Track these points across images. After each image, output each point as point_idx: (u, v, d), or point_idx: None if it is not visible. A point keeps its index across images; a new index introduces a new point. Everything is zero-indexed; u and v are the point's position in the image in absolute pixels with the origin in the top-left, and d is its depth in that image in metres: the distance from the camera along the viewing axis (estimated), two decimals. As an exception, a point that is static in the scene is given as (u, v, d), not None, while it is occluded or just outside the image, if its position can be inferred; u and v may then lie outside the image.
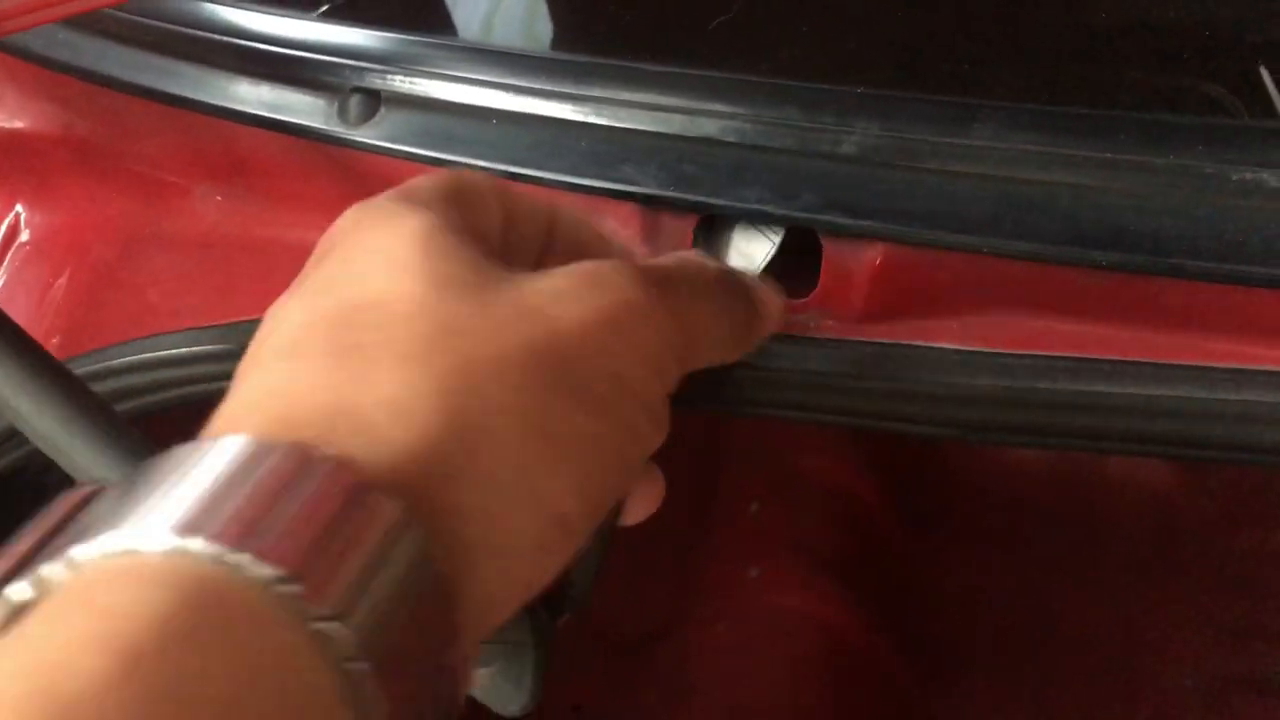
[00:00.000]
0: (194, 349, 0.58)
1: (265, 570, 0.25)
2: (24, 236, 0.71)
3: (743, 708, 1.16)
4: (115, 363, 0.57)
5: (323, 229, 0.62)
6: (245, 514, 0.25)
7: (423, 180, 0.38)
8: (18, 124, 0.68)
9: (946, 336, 0.49)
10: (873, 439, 1.31)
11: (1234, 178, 0.43)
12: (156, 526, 0.25)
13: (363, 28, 0.58)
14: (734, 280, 0.41)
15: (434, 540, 0.29)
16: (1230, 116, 0.45)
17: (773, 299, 0.44)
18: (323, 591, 0.25)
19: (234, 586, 0.24)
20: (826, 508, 1.29)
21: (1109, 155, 0.44)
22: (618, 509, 0.44)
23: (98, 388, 0.59)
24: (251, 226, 0.64)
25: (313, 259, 0.38)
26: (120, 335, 0.63)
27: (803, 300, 0.51)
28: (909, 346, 0.48)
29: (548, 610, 0.42)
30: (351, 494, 0.27)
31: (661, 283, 0.36)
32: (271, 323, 0.34)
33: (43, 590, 0.24)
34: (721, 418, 1.30)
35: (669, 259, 0.40)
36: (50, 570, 0.25)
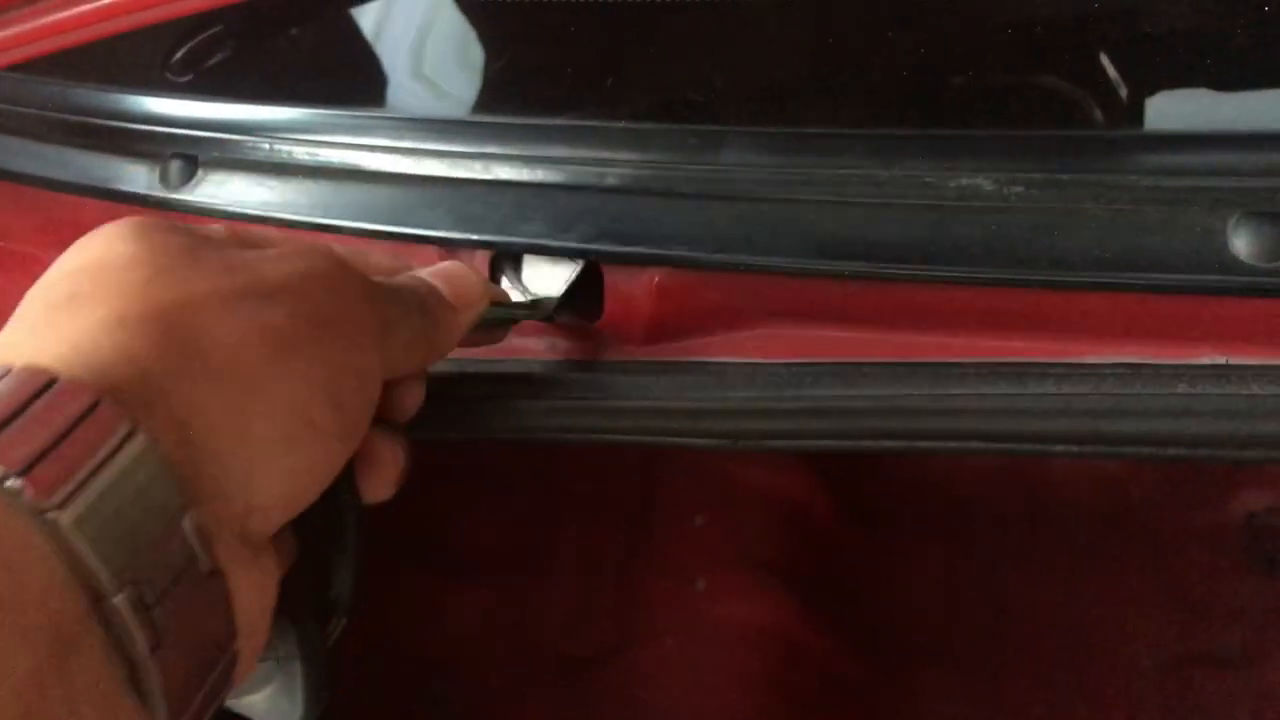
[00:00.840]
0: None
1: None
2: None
3: (698, 722, 1.17)
4: None
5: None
6: None
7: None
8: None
9: (723, 350, 0.52)
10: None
11: (952, 184, 0.45)
12: None
13: (180, 97, 0.61)
14: (426, 297, 0.45)
15: (165, 431, 0.33)
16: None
17: (468, 282, 0.48)
18: (47, 486, 0.29)
19: None
20: (770, 515, 1.29)
21: (841, 170, 0.47)
22: (356, 494, 0.45)
23: None
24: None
25: None
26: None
27: (592, 326, 0.53)
28: (680, 363, 0.51)
29: (316, 618, 0.44)
30: (59, 398, 0.31)
31: (360, 265, 0.42)
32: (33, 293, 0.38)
33: None
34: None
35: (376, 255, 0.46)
36: None
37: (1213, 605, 1.19)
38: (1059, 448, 0.44)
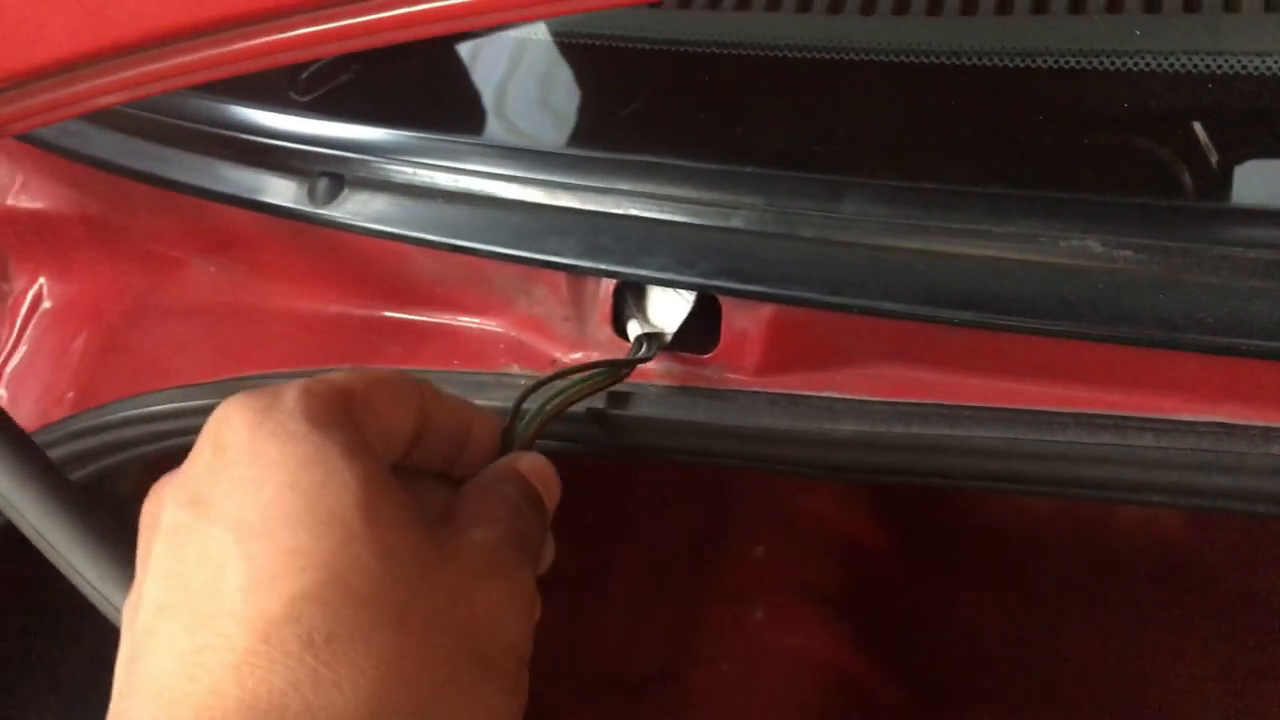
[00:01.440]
0: (183, 404, 0.65)
1: None
2: (46, 305, 0.79)
3: (748, 748, 1.18)
4: (111, 417, 0.64)
5: (300, 297, 0.70)
6: None
7: (322, 383, 0.39)
8: (39, 205, 0.76)
9: (832, 385, 0.55)
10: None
11: (1062, 244, 0.48)
12: None
13: (330, 119, 0.65)
14: (539, 512, 0.45)
15: None
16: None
17: (549, 478, 0.47)
18: None
19: None
20: (832, 549, 1.30)
21: (957, 224, 0.50)
22: None
23: (98, 440, 0.67)
24: (240, 294, 0.72)
25: (205, 466, 0.37)
26: (127, 390, 0.70)
27: (707, 357, 0.57)
28: (793, 396, 0.54)
29: None
30: None
31: (524, 549, 0.41)
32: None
33: None
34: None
35: (507, 505, 0.42)
36: None
37: (1264, 671, 1.19)
38: (1154, 497, 0.47)
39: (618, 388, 0.57)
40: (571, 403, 0.54)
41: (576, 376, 0.55)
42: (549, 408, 0.52)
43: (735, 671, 1.26)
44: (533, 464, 0.47)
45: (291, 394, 0.36)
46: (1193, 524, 1.24)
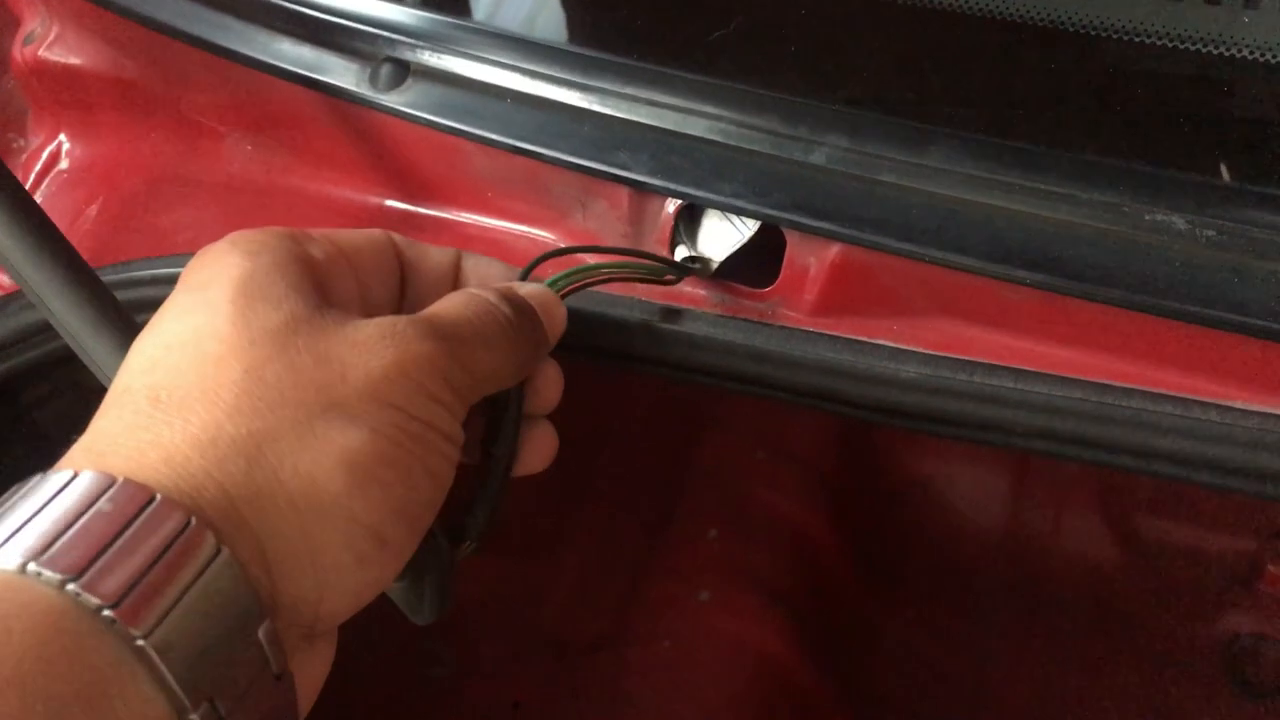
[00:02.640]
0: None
1: (90, 597, 0.32)
2: (63, 164, 0.76)
3: (676, 727, 1.18)
4: (138, 274, 0.62)
5: (340, 184, 0.68)
6: (77, 544, 0.33)
7: (268, 228, 0.45)
8: (73, 60, 0.74)
9: (886, 334, 0.55)
10: (838, 485, 1.35)
11: (1147, 217, 0.49)
12: (9, 551, 0.32)
13: (399, 3, 0.64)
14: (522, 322, 0.47)
15: (245, 551, 0.35)
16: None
17: (554, 309, 0.50)
18: (139, 613, 0.32)
19: (42, 595, 0.32)
20: (784, 544, 1.31)
21: (1041, 186, 0.50)
22: (514, 454, 0.50)
23: (119, 295, 0.65)
24: (275, 175, 0.70)
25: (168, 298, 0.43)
26: (140, 261, 0.68)
27: (764, 291, 0.56)
28: (845, 338, 0.54)
29: (450, 539, 0.48)
30: (154, 518, 0.34)
31: (451, 335, 0.42)
32: (128, 359, 0.40)
33: None
34: (689, 439, 1.35)
35: (462, 305, 0.45)
36: None
37: (1187, 713, 1.22)
38: (1204, 476, 0.47)
39: (669, 302, 0.57)
40: (604, 280, 0.54)
41: (618, 258, 0.55)
42: (578, 277, 0.52)
43: (674, 649, 1.26)
44: (533, 289, 0.50)
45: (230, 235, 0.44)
46: (1127, 566, 1.27)
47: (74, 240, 0.72)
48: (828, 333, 0.54)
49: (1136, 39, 0.50)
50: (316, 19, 0.64)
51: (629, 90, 0.58)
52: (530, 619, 1.28)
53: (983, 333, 0.53)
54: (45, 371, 0.74)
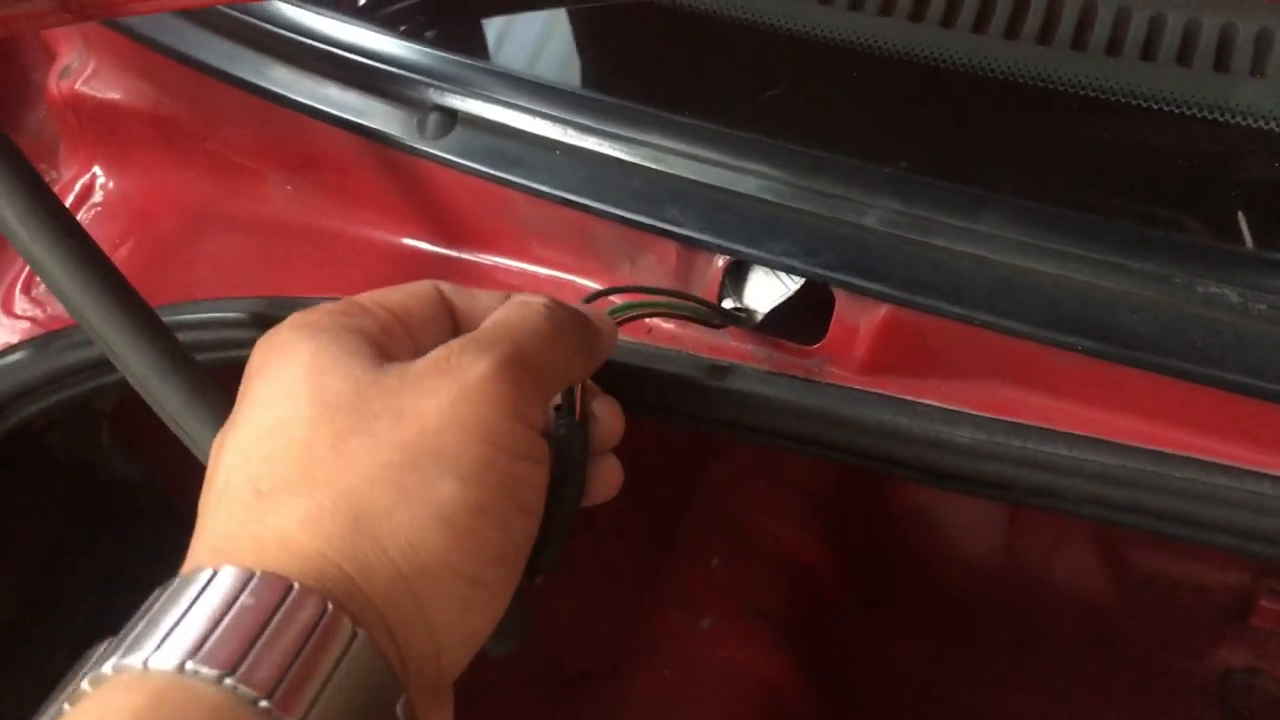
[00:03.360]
0: (236, 314, 0.63)
1: (247, 690, 0.33)
2: (97, 198, 0.76)
3: (676, 755, 1.18)
4: (185, 318, 0.62)
5: (380, 227, 0.68)
6: (228, 640, 0.34)
7: (321, 307, 0.46)
8: (112, 95, 0.74)
9: (934, 394, 0.55)
10: (836, 513, 1.36)
11: (1199, 289, 0.50)
12: (167, 652, 0.34)
13: (447, 52, 0.64)
14: (564, 312, 0.48)
15: (373, 627, 0.37)
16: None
17: (604, 319, 0.52)
18: (292, 702, 0.34)
19: (204, 692, 0.33)
20: (785, 571, 1.32)
21: (1094, 255, 0.51)
22: (581, 488, 0.51)
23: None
24: (315, 217, 0.70)
25: (241, 389, 0.45)
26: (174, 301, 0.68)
27: (812, 348, 0.57)
28: (894, 398, 0.55)
29: (526, 573, 0.48)
30: (295, 608, 0.36)
31: (502, 340, 0.43)
32: (216, 458, 0.42)
33: (94, 685, 0.34)
34: (690, 468, 1.35)
35: (507, 311, 0.46)
36: (97, 674, 0.34)
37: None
38: (1255, 547, 0.48)
39: (716, 359, 0.57)
40: (654, 313, 0.55)
41: (666, 298, 0.56)
42: (629, 310, 0.53)
43: (675, 677, 1.27)
44: (579, 304, 0.51)
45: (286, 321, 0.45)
46: (1121, 598, 1.28)
47: (109, 276, 0.72)
48: (880, 392, 0.55)
49: (1188, 111, 0.51)
50: (364, 65, 0.64)
51: (680, 146, 0.58)
52: (532, 648, 1.28)
53: (1031, 396, 0.54)
54: (63, 409, 0.74)
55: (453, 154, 0.62)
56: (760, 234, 0.56)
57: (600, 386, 0.53)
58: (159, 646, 0.34)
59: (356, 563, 0.37)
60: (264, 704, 0.33)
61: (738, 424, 0.56)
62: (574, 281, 0.64)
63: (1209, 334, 0.49)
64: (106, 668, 0.34)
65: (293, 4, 0.67)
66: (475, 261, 0.66)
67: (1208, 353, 0.49)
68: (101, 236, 0.73)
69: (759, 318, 0.58)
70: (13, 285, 0.75)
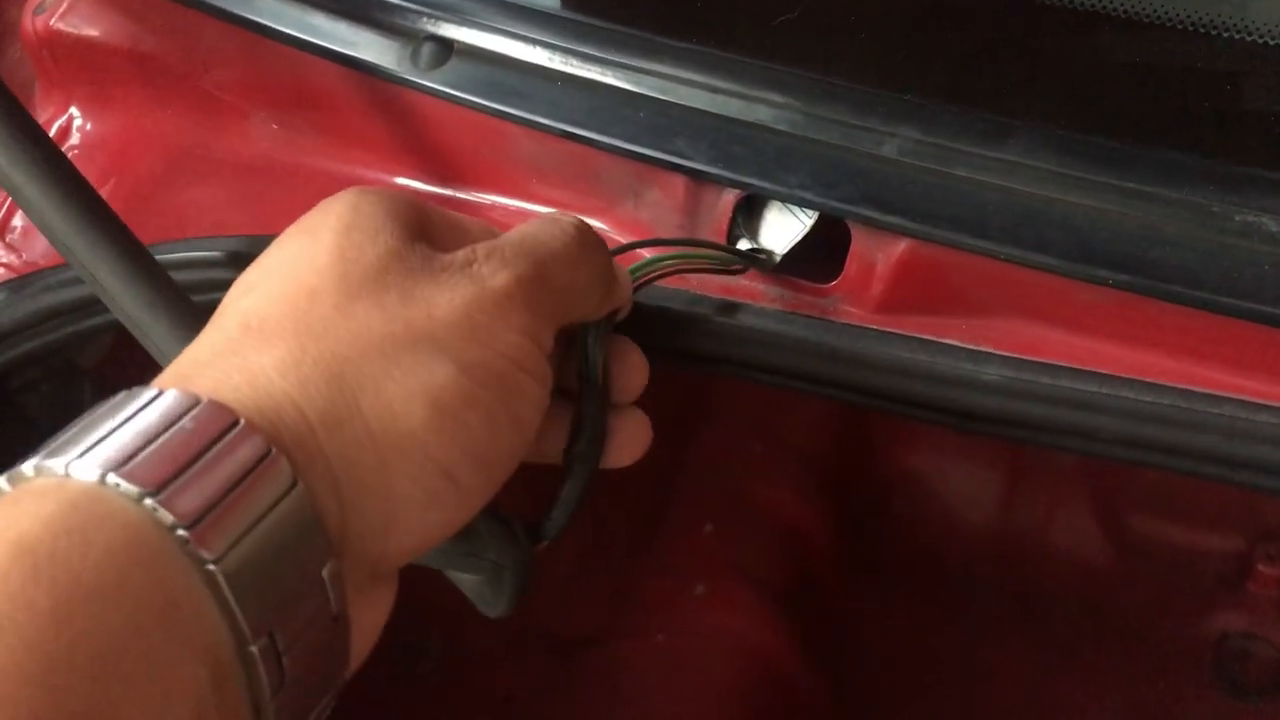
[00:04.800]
0: (218, 253, 0.61)
1: (166, 515, 0.31)
2: (74, 139, 0.73)
3: (668, 722, 1.15)
4: (165, 257, 0.60)
5: (373, 166, 0.66)
6: (157, 460, 0.32)
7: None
8: (88, 31, 0.70)
9: (954, 334, 0.53)
10: (833, 478, 1.34)
11: (1236, 218, 0.47)
12: (90, 461, 0.32)
13: (446, -19, 0.61)
14: (593, 236, 0.46)
15: (320, 484, 0.35)
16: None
17: (625, 275, 0.50)
18: (212, 537, 0.32)
19: (121, 507, 0.31)
20: (778, 540, 1.31)
21: (1127, 184, 0.49)
22: (600, 446, 0.49)
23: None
24: (304, 157, 0.67)
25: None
26: (156, 244, 0.65)
27: (826, 287, 0.55)
28: (921, 338, 0.52)
29: (528, 536, 0.48)
30: (236, 443, 0.34)
31: (527, 254, 0.42)
32: (234, 289, 0.41)
33: (11, 482, 0.32)
34: (685, 432, 1.34)
35: (537, 225, 0.45)
36: (15, 472, 0.32)
37: (1174, 714, 1.22)
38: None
39: (728, 297, 0.55)
40: (674, 272, 0.53)
41: (683, 249, 0.54)
42: (646, 269, 0.51)
43: (668, 643, 1.26)
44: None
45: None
46: (1118, 565, 1.27)
47: (87, 219, 0.69)
48: (901, 332, 0.52)
49: (1225, 33, 0.49)
50: (354, -7, 0.62)
51: (688, 75, 0.56)
52: (523, 614, 1.27)
53: (1060, 335, 0.52)
54: (39, 358, 0.71)
55: (448, 85, 0.59)
56: (774, 166, 0.54)
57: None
58: (83, 454, 0.32)
59: (323, 414, 0.36)
60: (181, 532, 0.31)
61: (754, 364, 0.53)
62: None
63: (1247, 265, 0.47)
64: (27, 467, 0.32)
65: (279, -69, 0.64)
66: (473, 201, 0.64)
67: (1245, 285, 0.47)
68: (79, 179, 0.70)
69: (777, 258, 0.55)
70: (-14, 231, 0.72)
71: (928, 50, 0.56)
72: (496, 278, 0.40)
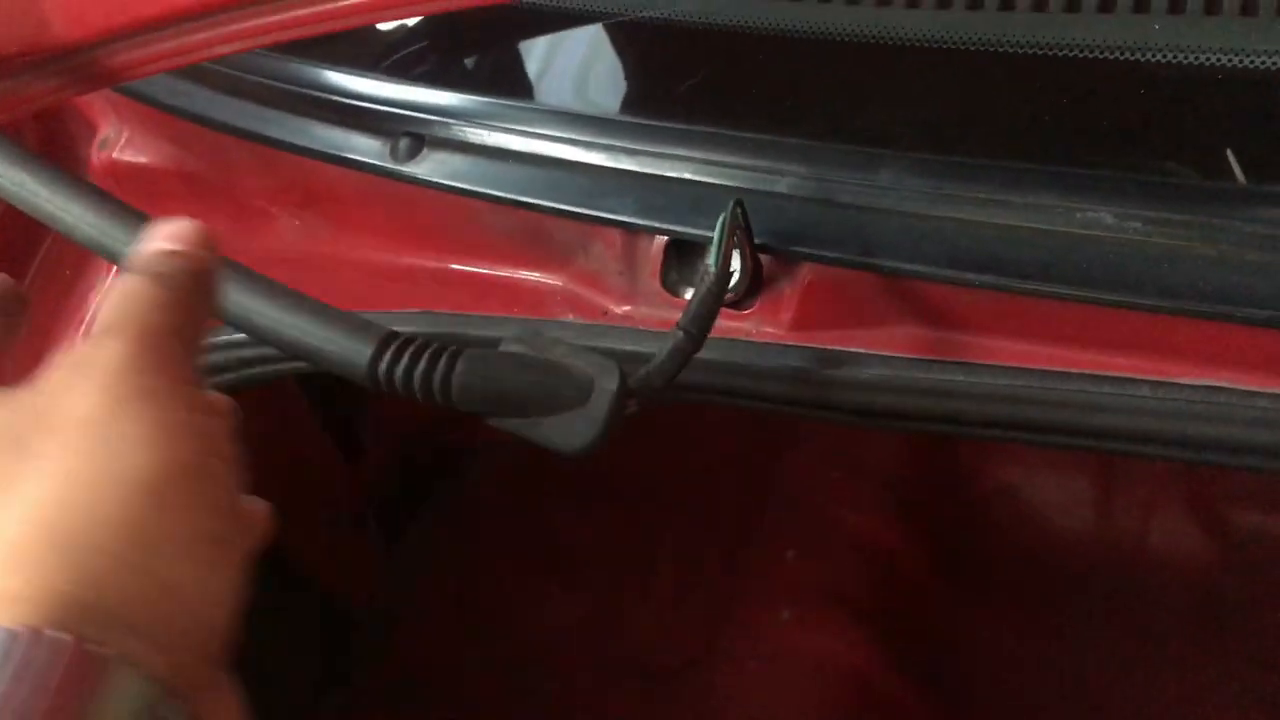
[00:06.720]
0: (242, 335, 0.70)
1: None
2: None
3: (766, 746, 1.17)
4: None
5: (378, 249, 0.75)
6: None
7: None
8: (142, 159, 0.83)
9: (859, 343, 0.59)
10: (920, 499, 1.36)
11: (1078, 215, 0.53)
12: None
13: (413, 84, 0.71)
14: (166, 266, 0.42)
15: (114, 637, 0.32)
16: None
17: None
18: None
19: None
20: (863, 559, 1.32)
21: (980, 195, 0.55)
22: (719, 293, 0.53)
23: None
24: (320, 246, 0.77)
25: None
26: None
27: (746, 313, 0.62)
28: (820, 349, 0.59)
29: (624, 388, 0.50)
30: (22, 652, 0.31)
31: (126, 321, 0.39)
32: None
33: None
34: (764, 466, 1.38)
35: (115, 292, 0.40)
36: None
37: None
38: (1147, 448, 0.51)
39: (657, 330, 0.62)
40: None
41: None
42: None
43: (761, 670, 1.28)
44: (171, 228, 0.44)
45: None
46: (1221, 562, 1.25)
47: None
48: (809, 345, 0.59)
49: (1051, 53, 0.54)
50: (343, 104, 0.72)
51: (613, 142, 0.64)
52: (617, 647, 1.32)
53: (948, 334, 0.58)
54: None
55: (423, 174, 0.68)
56: (688, 212, 0.61)
57: None
58: None
59: (76, 576, 0.33)
60: None
61: (680, 386, 0.60)
62: (543, 281, 0.69)
63: (1091, 256, 0.52)
64: None
65: (285, 58, 0.75)
66: (460, 270, 0.73)
67: (1090, 274, 0.52)
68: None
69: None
70: None
71: (806, 97, 0.63)
72: (111, 352, 0.38)
